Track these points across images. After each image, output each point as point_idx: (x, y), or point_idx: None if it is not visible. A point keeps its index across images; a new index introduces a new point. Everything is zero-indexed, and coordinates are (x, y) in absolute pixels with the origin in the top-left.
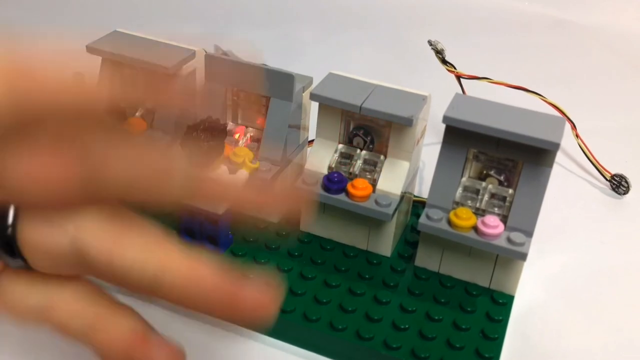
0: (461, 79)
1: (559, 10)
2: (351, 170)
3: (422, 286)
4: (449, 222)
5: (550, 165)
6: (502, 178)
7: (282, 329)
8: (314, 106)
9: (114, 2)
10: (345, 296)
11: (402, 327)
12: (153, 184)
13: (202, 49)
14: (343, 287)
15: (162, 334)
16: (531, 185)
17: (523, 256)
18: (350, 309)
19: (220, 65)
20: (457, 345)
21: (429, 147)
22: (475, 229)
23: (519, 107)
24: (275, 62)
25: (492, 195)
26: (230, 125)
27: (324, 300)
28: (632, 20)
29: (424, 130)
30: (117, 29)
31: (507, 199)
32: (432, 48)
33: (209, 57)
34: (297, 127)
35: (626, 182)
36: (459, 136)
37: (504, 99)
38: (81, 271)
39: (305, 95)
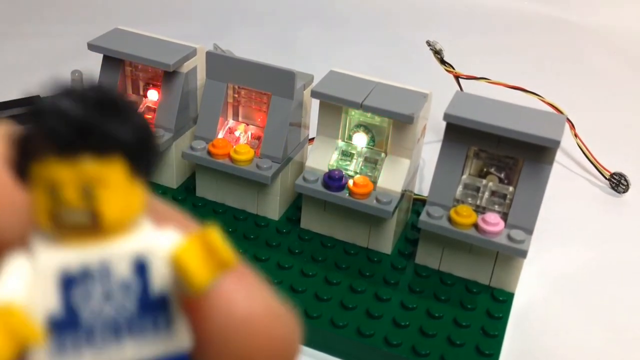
0: (460, 79)
1: (559, 10)
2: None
3: (422, 283)
4: (450, 220)
5: (551, 163)
6: (502, 176)
7: None
8: (315, 104)
9: (116, 0)
10: (346, 293)
11: (403, 324)
12: None
13: (202, 47)
14: (344, 284)
15: None
16: (531, 182)
17: (523, 254)
18: (351, 306)
19: (221, 62)
20: (458, 342)
21: (430, 145)
22: (475, 226)
23: (519, 105)
24: (276, 60)
25: (493, 193)
26: (230, 123)
27: (325, 298)
28: (632, 20)
29: (424, 128)
30: (118, 27)
31: (508, 196)
32: (431, 48)
33: (210, 55)
34: (298, 124)
35: (625, 180)
36: (460, 134)
37: (503, 99)
38: None
39: (306, 92)
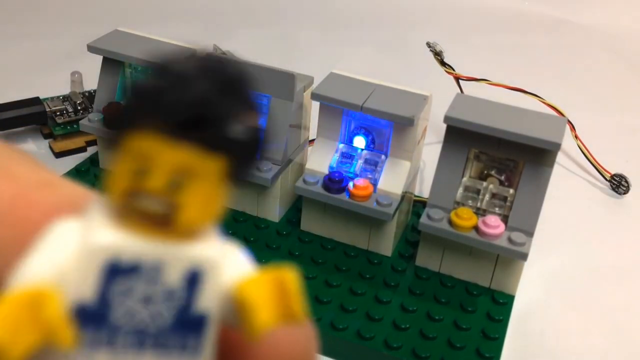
0: (460, 81)
1: (559, 10)
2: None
3: (422, 286)
4: (450, 222)
5: (551, 165)
6: (502, 178)
7: None
8: (315, 106)
9: (115, 1)
10: (346, 296)
11: (403, 326)
12: None
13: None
14: (344, 286)
15: None
16: (532, 185)
17: (524, 256)
18: (351, 308)
19: None
20: (458, 345)
21: (430, 147)
22: (476, 228)
23: (519, 107)
24: (276, 62)
25: (493, 195)
26: None
27: (325, 300)
28: (632, 20)
29: (424, 130)
30: (118, 28)
31: (508, 198)
32: (431, 50)
33: None
34: (298, 126)
35: (626, 181)
36: (460, 136)
37: (503, 100)
38: None
39: (306, 94)
